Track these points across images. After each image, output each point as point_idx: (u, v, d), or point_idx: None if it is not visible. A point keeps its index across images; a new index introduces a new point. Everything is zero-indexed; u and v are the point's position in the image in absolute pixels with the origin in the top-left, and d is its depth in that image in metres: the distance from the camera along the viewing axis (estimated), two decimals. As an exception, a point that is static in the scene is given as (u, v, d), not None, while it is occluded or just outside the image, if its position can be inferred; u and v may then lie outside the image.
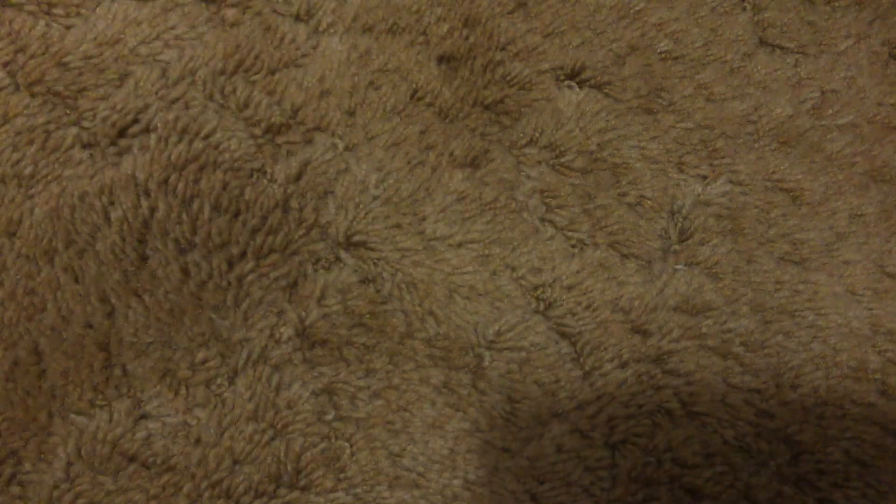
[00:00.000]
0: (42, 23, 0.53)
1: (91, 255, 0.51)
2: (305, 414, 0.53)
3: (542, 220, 0.57)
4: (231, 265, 0.53)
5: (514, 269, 0.56)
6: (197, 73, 0.54)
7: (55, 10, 0.54)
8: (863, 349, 0.59)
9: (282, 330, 0.54)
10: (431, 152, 0.57)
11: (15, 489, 0.49)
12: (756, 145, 0.61)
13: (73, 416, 0.50)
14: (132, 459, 0.50)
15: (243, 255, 0.53)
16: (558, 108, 0.58)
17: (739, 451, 0.54)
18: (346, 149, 0.56)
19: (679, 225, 0.59)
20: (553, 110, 0.58)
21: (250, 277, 0.53)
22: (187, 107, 0.54)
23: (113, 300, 0.51)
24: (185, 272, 0.52)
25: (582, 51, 0.59)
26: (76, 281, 0.50)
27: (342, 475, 0.52)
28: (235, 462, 0.51)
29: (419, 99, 0.57)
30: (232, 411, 0.53)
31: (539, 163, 0.58)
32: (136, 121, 0.53)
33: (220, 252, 0.53)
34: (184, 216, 0.51)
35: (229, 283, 0.53)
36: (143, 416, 0.51)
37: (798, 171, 0.61)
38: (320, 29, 0.56)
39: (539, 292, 0.56)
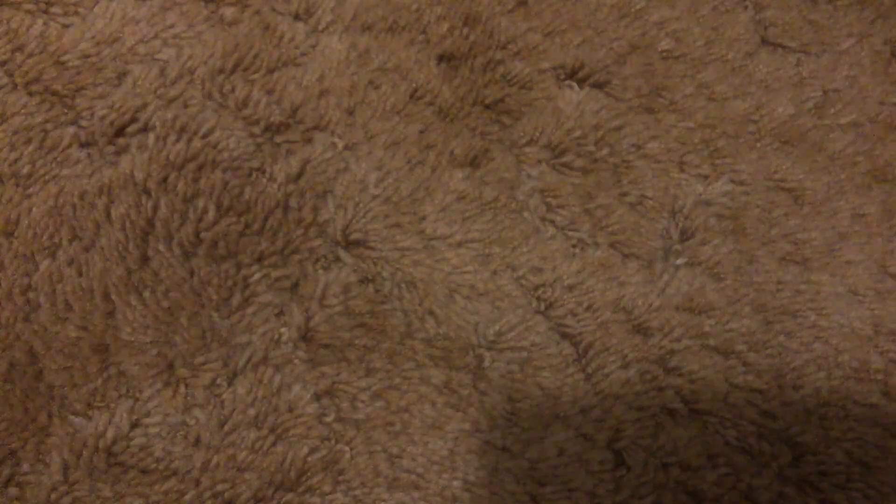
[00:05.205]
0: (40, 21, 0.53)
1: (97, 251, 0.50)
2: (306, 417, 0.52)
3: (543, 219, 0.57)
4: (236, 265, 0.53)
5: (514, 269, 0.56)
6: (195, 71, 0.54)
7: (53, 9, 0.53)
8: (865, 350, 0.58)
9: (282, 331, 0.54)
10: (431, 151, 0.56)
11: (13, 490, 0.49)
12: (758, 145, 0.61)
13: (71, 417, 0.50)
14: (130, 465, 0.50)
15: (246, 254, 0.53)
16: (559, 108, 0.58)
17: (741, 452, 0.54)
18: (346, 148, 0.56)
19: (680, 225, 0.58)
20: (553, 109, 0.58)
21: (255, 277, 0.53)
22: (186, 105, 0.54)
23: (114, 297, 0.51)
24: (189, 270, 0.52)
25: (582, 50, 0.59)
26: (80, 274, 0.50)
27: (341, 477, 0.52)
28: (238, 469, 0.51)
29: (419, 98, 0.57)
30: (233, 413, 0.52)
31: (539, 162, 0.58)
32: (134, 120, 0.53)
33: (224, 251, 0.52)
34: (190, 214, 0.51)
35: (234, 283, 0.52)
36: (142, 416, 0.51)
37: (800, 171, 0.61)
38: (319, 28, 0.56)
39: (540, 292, 0.56)
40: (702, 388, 0.55)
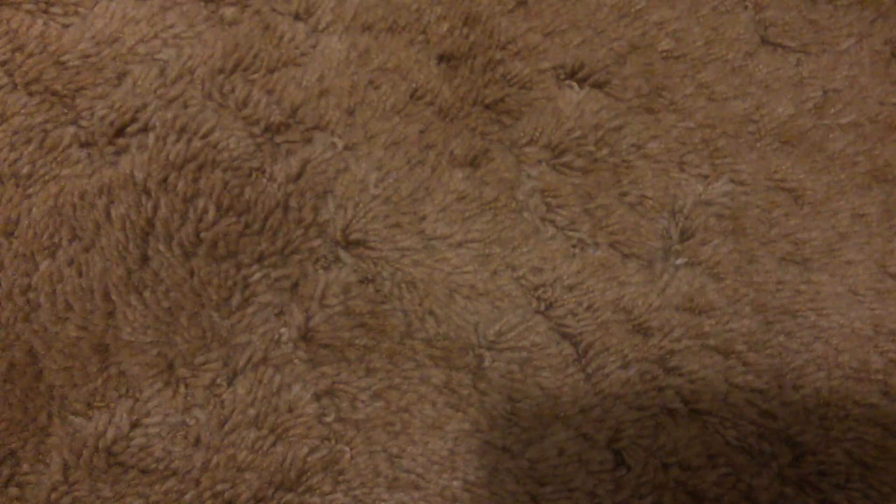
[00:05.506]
0: (40, 21, 0.53)
1: (97, 251, 0.50)
2: (306, 417, 0.52)
3: (543, 219, 0.57)
4: (236, 265, 0.53)
5: (514, 269, 0.56)
6: (195, 71, 0.54)
7: (53, 9, 0.53)
8: (865, 350, 0.58)
9: (282, 331, 0.53)
10: (431, 151, 0.56)
11: (13, 490, 0.49)
12: (758, 145, 0.61)
13: (71, 417, 0.50)
14: (130, 465, 0.50)
15: (246, 254, 0.53)
16: (559, 108, 0.58)
17: (742, 451, 0.54)
18: (346, 148, 0.56)
19: (680, 225, 0.58)
20: (553, 109, 0.58)
21: (255, 277, 0.53)
22: (186, 106, 0.53)
23: (114, 297, 0.51)
24: (189, 270, 0.52)
25: (582, 50, 0.59)
26: (80, 274, 0.50)
27: (341, 477, 0.52)
28: (238, 469, 0.51)
29: (419, 98, 0.57)
30: (233, 413, 0.52)
31: (539, 162, 0.58)
32: (134, 120, 0.53)
33: (224, 251, 0.52)
34: (190, 214, 0.51)
35: (234, 283, 0.52)
36: (142, 416, 0.51)
37: (800, 171, 0.61)
38: (319, 28, 0.56)
39: (540, 292, 0.56)
40: (702, 388, 0.55)
